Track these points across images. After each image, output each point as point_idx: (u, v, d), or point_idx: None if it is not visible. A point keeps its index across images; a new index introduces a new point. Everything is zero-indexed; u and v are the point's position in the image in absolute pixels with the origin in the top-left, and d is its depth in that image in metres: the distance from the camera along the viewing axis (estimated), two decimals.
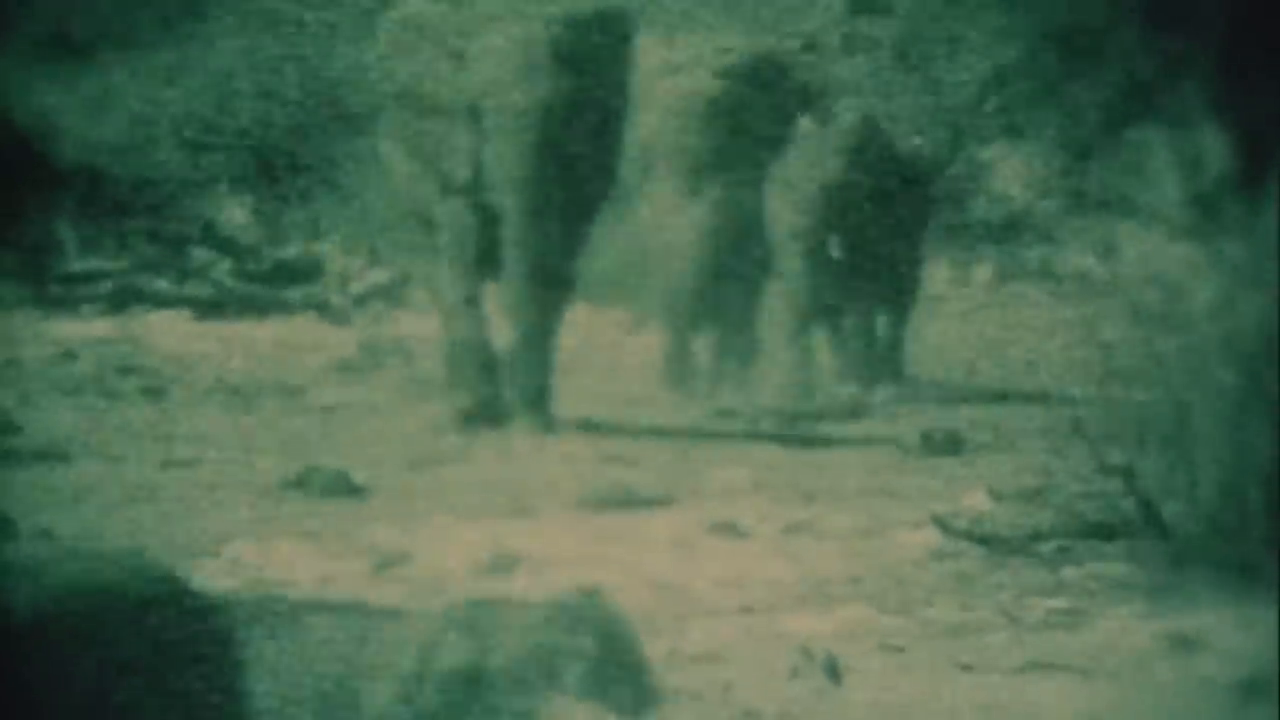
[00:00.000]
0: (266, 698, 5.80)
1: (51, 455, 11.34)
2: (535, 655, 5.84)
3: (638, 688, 5.89)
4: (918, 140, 12.16)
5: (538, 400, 12.01)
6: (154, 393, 12.88)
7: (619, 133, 12.19)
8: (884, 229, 12.78)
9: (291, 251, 14.50)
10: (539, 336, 12.03)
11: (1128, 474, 9.16)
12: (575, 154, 12.02)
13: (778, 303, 12.92)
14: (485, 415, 12.07)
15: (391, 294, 14.31)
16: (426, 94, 12.15)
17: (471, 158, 12.05)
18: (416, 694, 5.78)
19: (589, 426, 12.13)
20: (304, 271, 14.46)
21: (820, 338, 12.89)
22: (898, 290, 12.90)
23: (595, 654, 5.85)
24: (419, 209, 12.39)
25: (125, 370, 13.12)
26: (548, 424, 11.95)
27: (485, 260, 12.20)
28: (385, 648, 5.84)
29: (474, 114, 11.99)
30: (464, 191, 12.12)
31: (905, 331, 12.92)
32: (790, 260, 12.80)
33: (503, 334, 12.23)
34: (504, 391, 12.14)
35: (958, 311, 13.73)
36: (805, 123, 12.67)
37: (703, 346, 13.15)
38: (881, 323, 12.88)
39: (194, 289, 14.25)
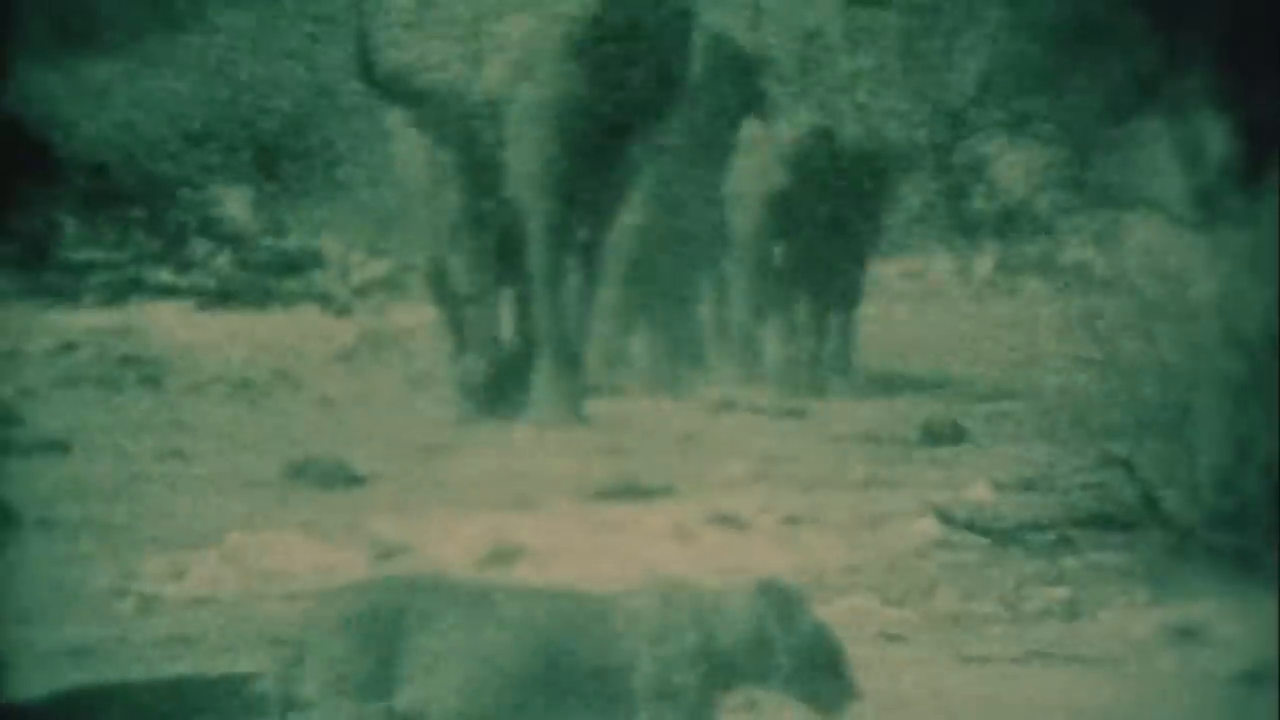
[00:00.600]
0: (439, 687, 5.81)
1: (52, 446, 11.34)
2: (750, 647, 5.86)
3: (840, 685, 5.90)
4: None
5: (568, 396, 11.90)
6: (154, 383, 12.87)
7: (648, 119, 12.05)
8: (829, 228, 12.79)
9: (292, 242, 14.48)
10: (569, 332, 11.93)
11: (1128, 465, 9.16)
12: (599, 145, 11.91)
13: (728, 294, 12.93)
14: (497, 408, 11.97)
15: (392, 285, 14.29)
16: (442, 83, 12.05)
17: (492, 148, 11.94)
18: (631, 683, 5.81)
19: (589, 419, 12.12)
20: (304, 262, 14.44)
21: (771, 331, 12.88)
22: (842, 287, 12.92)
23: (804, 648, 5.87)
24: (433, 200, 12.29)
25: (125, 361, 13.10)
26: (577, 419, 11.85)
27: (502, 254, 12.08)
28: (591, 633, 5.85)
29: (493, 105, 11.89)
30: (483, 183, 12.01)
31: (853, 327, 12.92)
32: (737, 254, 12.81)
33: (522, 329, 12.13)
34: (519, 385, 12.02)
35: (959, 302, 13.72)
36: (752, 123, 12.65)
37: (643, 337, 13.10)
38: (831, 319, 12.90)
39: (194, 280, 14.23)
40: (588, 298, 12.04)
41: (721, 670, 5.83)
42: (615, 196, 12.08)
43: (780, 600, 5.86)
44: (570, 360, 11.93)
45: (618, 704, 5.80)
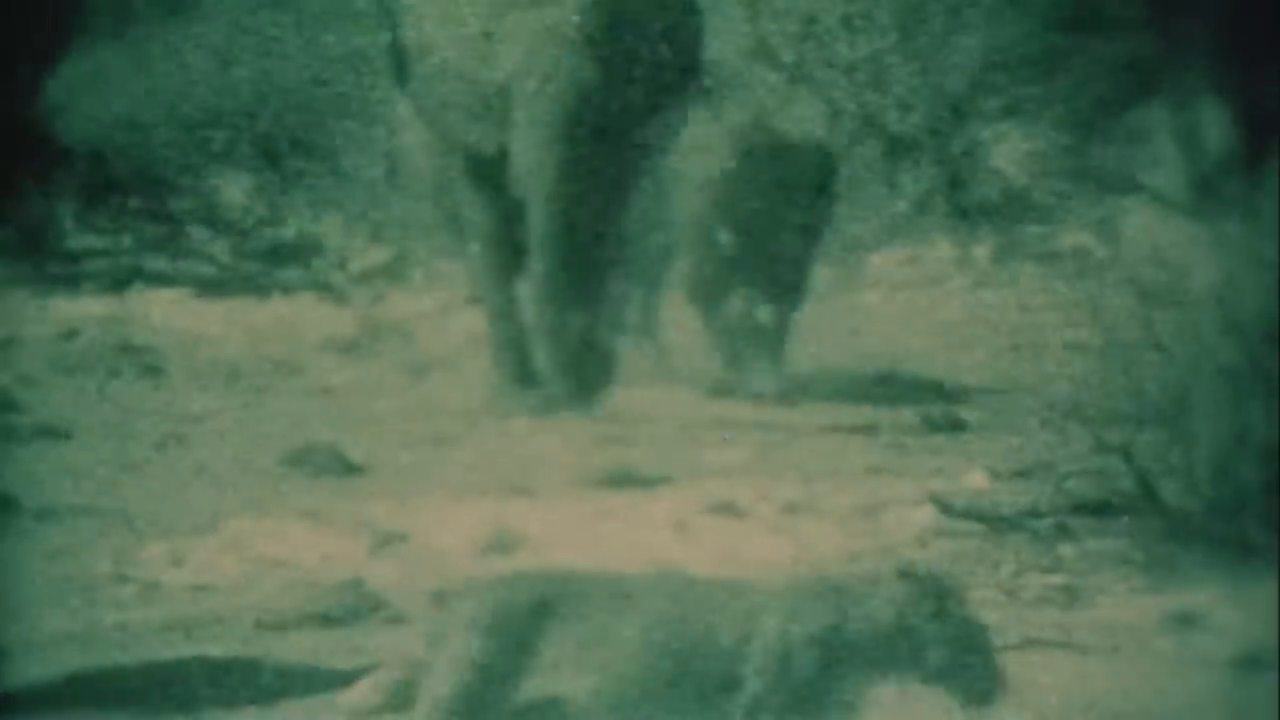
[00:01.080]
0: (581, 677, 5.80)
1: (51, 433, 11.35)
2: (896, 635, 5.74)
3: (989, 678, 5.77)
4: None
5: (580, 391, 11.76)
6: (153, 371, 12.86)
7: (661, 109, 11.90)
8: (773, 221, 12.68)
9: (291, 230, 14.46)
10: (579, 326, 11.78)
11: (1126, 452, 9.16)
12: (610, 133, 11.74)
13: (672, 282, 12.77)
14: (521, 403, 11.83)
15: (392, 273, 14.27)
16: (450, 73, 11.91)
17: (498, 140, 11.78)
18: (771, 670, 5.74)
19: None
20: (303, 250, 14.42)
21: (703, 321, 12.73)
22: (783, 281, 12.77)
23: (953, 638, 5.73)
24: (443, 193, 12.17)
25: (124, 348, 13.10)
26: (587, 408, 11.74)
27: (515, 247, 11.90)
28: (729, 620, 5.81)
29: (501, 95, 11.75)
30: (490, 176, 11.86)
31: (790, 322, 12.78)
32: (682, 243, 12.65)
33: (538, 321, 11.97)
34: (541, 379, 11.84)
35: (958, 291, 13.71)
36: (696, 114, 12.48)
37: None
38: (765, 311, 12.75)
39: (193, 268, 14.21)
40: (599, 287, 11.91)
41: (852, 659, 5.72)
42: (627, 186, 11.93)
43: (929, 591, 5.74)
44: (579, 350, 11.82)
45: (751, 693, 5.74)
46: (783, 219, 12.67)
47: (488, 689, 5.78)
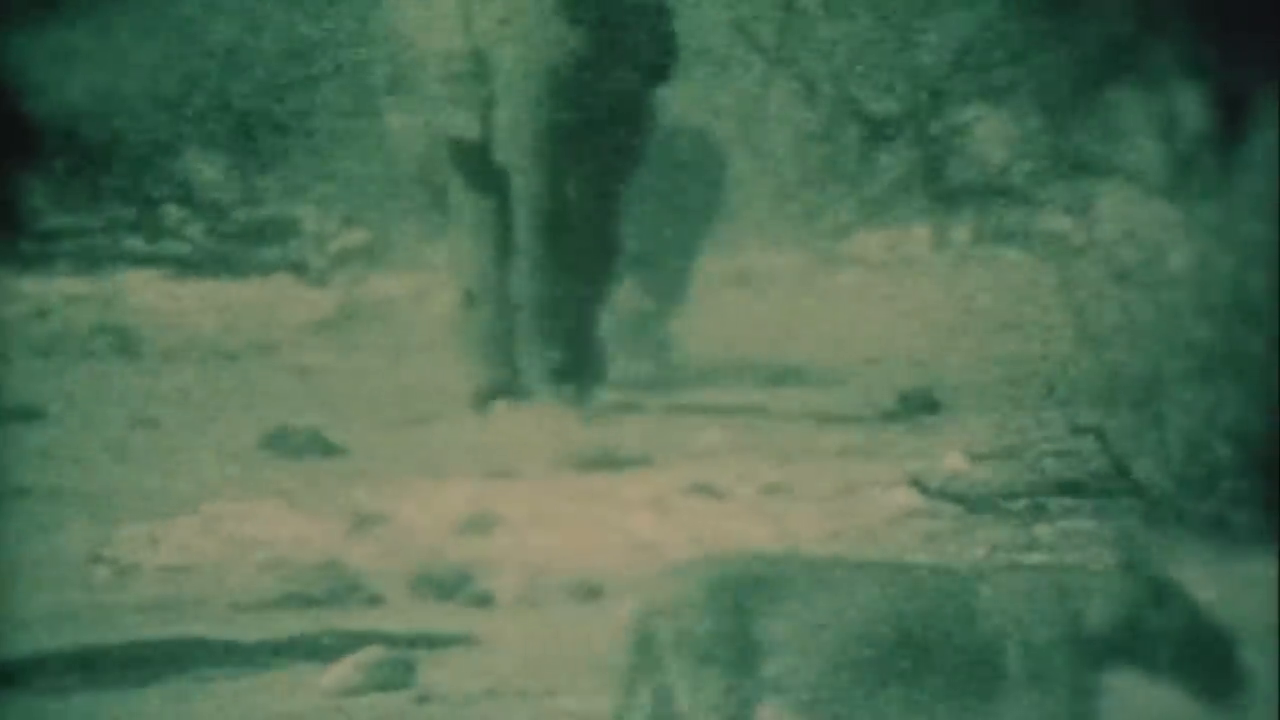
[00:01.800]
0: (799, 660, 5.75)
1: (25, 413, 11.33)
2: (1126, 629, 5.65)
3: (1225, 676, 5.67)
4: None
5: (568, 376, 11.63)
6: (128, 351, 12.85)
7: (650, 91, 11.75)
8: (658, 217, 12.58)
9: (267, 211, 14.43)
10: (570, 308, 11.62)
11: (1100, 432, 9.19)
12: (598, 113, 11.59)
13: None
14: (503, 390, 11.72)
15: (369, 255, 14.25)
16: (430, 50, 11.76)
17: (481, 117, 11.62)
18: (996, 660, 5.67)
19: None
20: (280, 231, 14.39)
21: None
22: (665, 276, 12.66)
23: (1185, 634, 5.62)
24: (428, 175, 12.04)
25: (99, 328, 13.08)
26: (578, 400, 11.61)
27: (503, 229, 11.73)
28: (943, 608, 5.73)
29: (481, 70, 11.58)
30: (475, 155, 11.69)
31: (671, 314, 12.68)
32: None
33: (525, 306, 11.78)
34: (524, 365, 11.69)
35: (936, 273, 13.73)
36: None
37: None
38: (649, 305, 12.65)
39: (168, 248, 14.19)
40: (588, 272, 11.77)
41: (1093, 653, 5.63)
42: (615, 165, 11.77)
43: (1152, 583, 5.66)
44: (567, 338, 11.70)
45: (983, 683, 5.64)
46: (669, 208, 12.56)
47: (711, 669, 5.68)
